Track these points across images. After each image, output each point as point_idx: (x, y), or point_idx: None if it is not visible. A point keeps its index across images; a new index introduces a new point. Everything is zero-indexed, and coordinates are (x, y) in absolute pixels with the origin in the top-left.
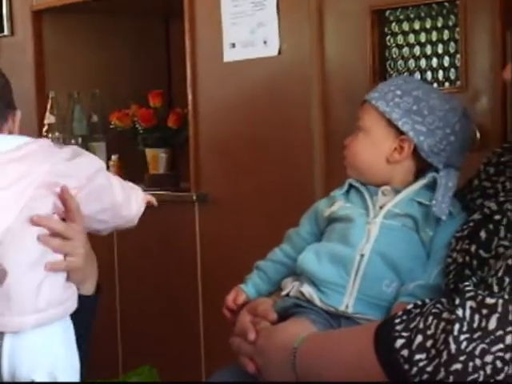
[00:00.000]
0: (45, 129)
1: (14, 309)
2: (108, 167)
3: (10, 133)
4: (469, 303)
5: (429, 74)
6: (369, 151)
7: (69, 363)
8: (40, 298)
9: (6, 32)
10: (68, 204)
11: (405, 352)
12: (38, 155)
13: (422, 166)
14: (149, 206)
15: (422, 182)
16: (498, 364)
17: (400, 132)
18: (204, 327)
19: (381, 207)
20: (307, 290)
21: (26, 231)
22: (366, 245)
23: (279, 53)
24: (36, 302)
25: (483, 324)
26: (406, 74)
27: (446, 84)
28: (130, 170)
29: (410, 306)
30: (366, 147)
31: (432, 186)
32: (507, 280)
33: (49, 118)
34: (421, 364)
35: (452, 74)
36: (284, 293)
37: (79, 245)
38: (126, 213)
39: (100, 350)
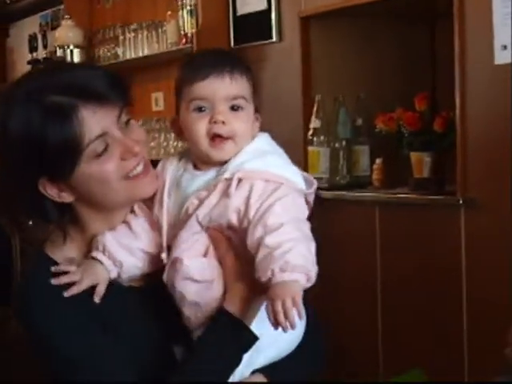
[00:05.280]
0: (310, 132)
1: None
2: (371, 171)
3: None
4: None
5: None
6: None
7: None
8: None
9: (274, 39)
10: None
11: None
12: None
13: None
14: None
15: None
16: None
17: None
18: (468, 333)
19: None
20: None
21: None
22: None
23: None
24: None
25: None
26: None
27: None
28: (394, 173)
29: None
30: None
31: None
32: None
33: (314, 122)
34: None
35: None
36: None
37: None
38: None
39: (361, 347)
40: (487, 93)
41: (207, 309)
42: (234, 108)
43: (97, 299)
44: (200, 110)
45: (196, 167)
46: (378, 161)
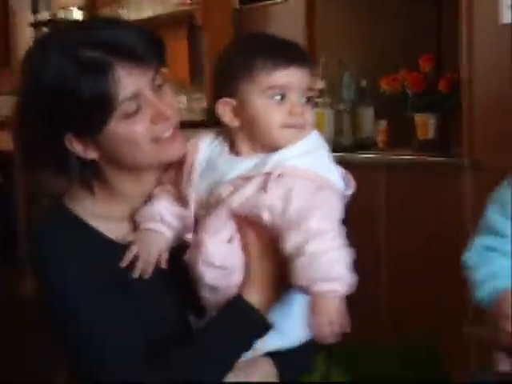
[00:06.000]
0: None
1: None
2: (376, 132)
3: None
4: None
5: None
6: None
7: None
8: None
9: None
10: None
11: None
12: None
13: None
14: None
15: None
16: None
17: None
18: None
19: None
20: None
21: None
22: None
23: None
24: None
25: None
26: None
27: None
28: (398, 135)
29: None
30: None
31: None
32: None
33: (319, 84)
34: None
35: None
36: None
37: None
38: None
39: (365, 317)
40: (493, 53)
41: (226, 294)
42: (307, 99)
43: (164, 265)
44: (280, 98)
45: (232, 150)
46: (382, 122)
